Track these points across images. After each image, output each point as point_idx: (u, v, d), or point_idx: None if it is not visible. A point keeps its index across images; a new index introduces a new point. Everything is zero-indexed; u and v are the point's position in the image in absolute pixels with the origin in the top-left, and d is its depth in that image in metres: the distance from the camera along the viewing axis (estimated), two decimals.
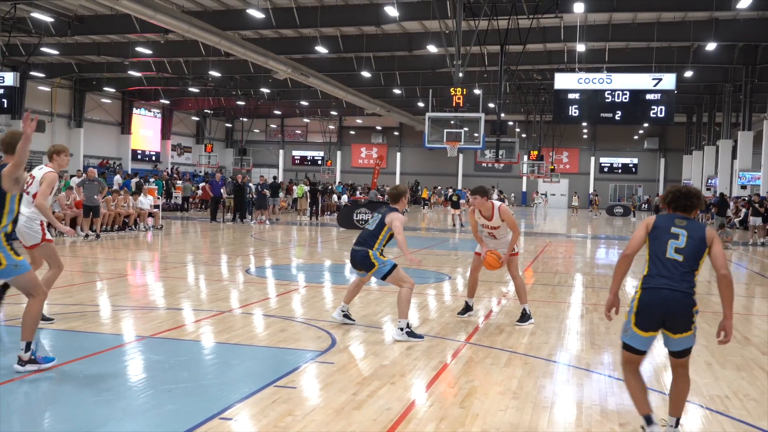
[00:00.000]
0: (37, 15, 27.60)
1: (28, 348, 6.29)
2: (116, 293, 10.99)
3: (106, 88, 45.24)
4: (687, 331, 4.75)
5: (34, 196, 8.13)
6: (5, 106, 24.14)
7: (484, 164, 57.28)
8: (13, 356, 6.37)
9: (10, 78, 24.08)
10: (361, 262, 8.20)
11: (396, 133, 65.63)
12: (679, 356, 4.86)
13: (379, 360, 7.05)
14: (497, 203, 9.10)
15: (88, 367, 6.68)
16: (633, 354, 4.89)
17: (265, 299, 10.85)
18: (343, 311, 8.72)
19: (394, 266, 8.17)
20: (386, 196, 9.84)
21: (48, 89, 43.69)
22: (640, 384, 4.95)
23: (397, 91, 43.68)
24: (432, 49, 30.56)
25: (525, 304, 9.26)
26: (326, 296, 11.42)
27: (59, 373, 6.46)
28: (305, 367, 6.73)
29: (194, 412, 5.40)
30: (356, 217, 26.92)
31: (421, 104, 46.08)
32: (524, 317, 9.22)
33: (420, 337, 8.05)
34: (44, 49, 33.20)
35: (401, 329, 7.99)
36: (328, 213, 38.57)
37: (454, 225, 31.40)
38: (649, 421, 4.84)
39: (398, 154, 66.02)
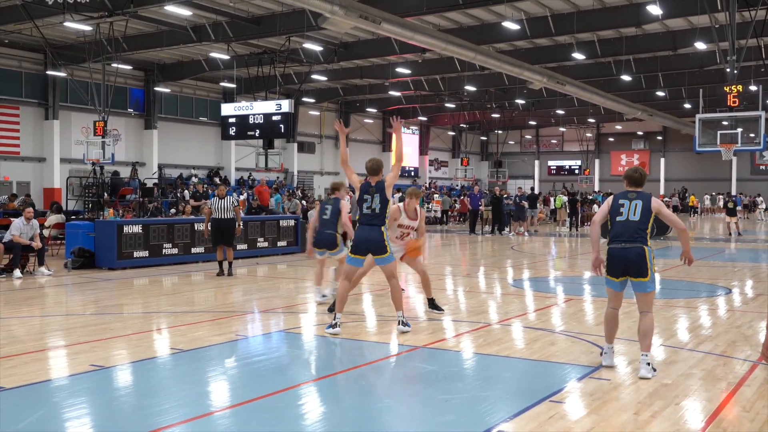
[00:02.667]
0: (308, 45, 29.81)
1: None
2: (383, 304, 11.45)
3: (368, 109, 47.69)
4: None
5: None
6: (282, 130, 26.26)
7: (762, 167, 52.37)
8: None
9: (285, 105, 26.16)
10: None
11: (659, 138, 62.33)
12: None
13: (660, 378, 6.65)
14: None
15: (366, 375, 7.01)
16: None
17: (529, 312, 10.75)
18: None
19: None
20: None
21: (317, 113, 46.93)
22: None
23: (660, 94, 41.50)
24: (700, 45, 28.69)
25: None
26: (589, 310, 11.04)
27: (341, 379, 6.84)
28: (579, 382, 6.53)
29: (471, 424, 5.44)
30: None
31: (687, 105, 43.39)
32: None
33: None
34: (314, 76, 35.76)
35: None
36: (588, 223, 37.50)
37: (730, 234, 29.15)
38: None
39: (662, 160, 62.62)
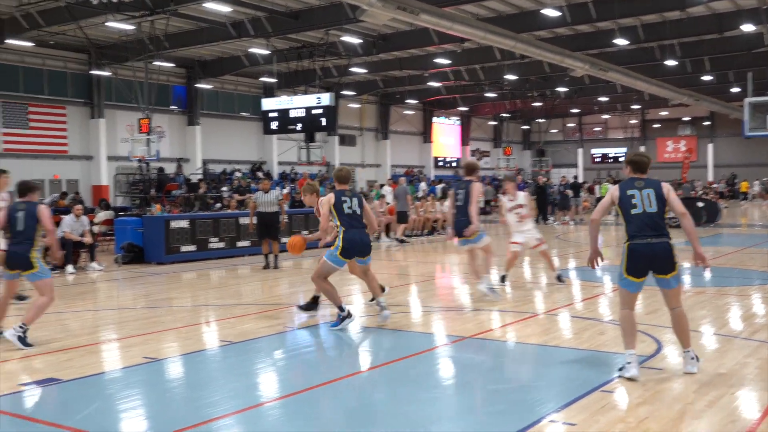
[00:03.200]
0: (346, 38, 29.85)
1: None
2: (428, 295, 11.44)
3: (408, 101, 47.60)
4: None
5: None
6: (323, 123, 26.44)
7: None
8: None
9: (326, 98, 26.30)
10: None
11: (706, 123, 61.04)
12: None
13: (714, 368, 6.54)
14: None
15: (415, 365, 7.01)
16: None
17: (576, 301, 10.65)
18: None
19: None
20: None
21: (357, 106, 46.98)
22: None
23: (706, 78, 40.66)
24: (747, 27, 28.04)
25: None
26: (640, 299, 10.88)
27: (391, 370, 6.85)
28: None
29: (522, 413, 5.41)
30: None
31: (735, 89, 42.46)
32: None
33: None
34: (353, 69, 35.78)
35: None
36: None
37: None
38: None
39: (710, 146, 61.33)
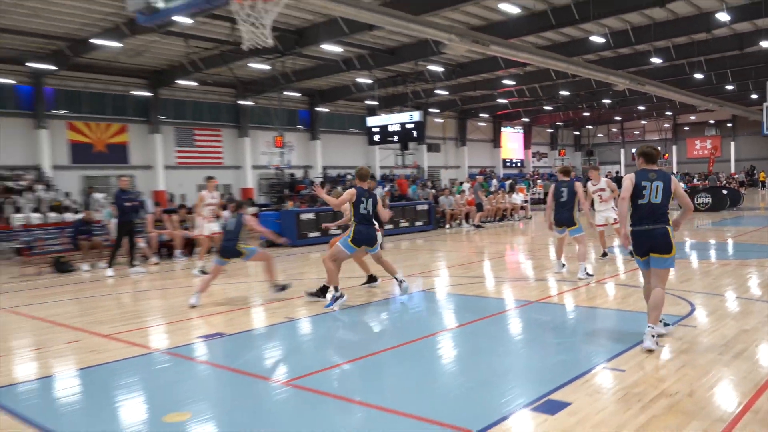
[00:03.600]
0: (431, 67, 29.73)
1: None
2: (500, 268, 11.32)
3: (481, 114, 47.04)
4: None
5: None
6: (415, 135, 26.47)
7: None
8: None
9: (416, 115, 26.33)
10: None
11: (729, 125, 57.69)
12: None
13: (740, 325, 6.25)
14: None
15: (492, 324, 6.98)
16: None
17: (620, 273, 10.32)
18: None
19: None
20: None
21: (440, 120, 46.73)
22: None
23: (729, 87, 38.42)
24: (765, 44, 26.32)
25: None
26: (677, 269, 10.45)
27: (474, 327, 6.84)
28: (669, 329, 6.21)
29: (580, 362, 5.33)
30: (697, 200, 24.29)
31: (754, 96, 39.97)
32: None
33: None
34: (437, 92, 35.62)
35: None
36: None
37: None
38: None
39: (732, 144, 57.92)
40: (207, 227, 12.10)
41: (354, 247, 8.25)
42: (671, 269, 5.74)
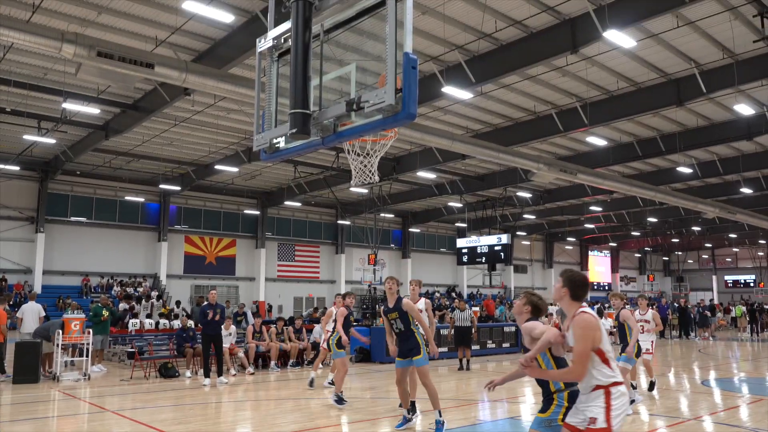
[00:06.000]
0: (520, 193, 29.82)
1: None
2: None
3: (568, 238, 46.13)
4: None
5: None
6: (502, 257, 26.12)
7: None
8: None
9: (504, 238, 26.14)
10: None
11: None
12: None
13: None
14: None
15: None
16: None
17: (719, 410, 9.28)
18: None
19: None
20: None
21: (527, 243, 46.13)
22: None
23: None
24: None
25: None
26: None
27: None
28: None
29: None
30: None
31: None
32: None
33: None
34: (525, 216, 35.48)
35: None
36: None
37: None
38: None
39: None
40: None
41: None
42: None
